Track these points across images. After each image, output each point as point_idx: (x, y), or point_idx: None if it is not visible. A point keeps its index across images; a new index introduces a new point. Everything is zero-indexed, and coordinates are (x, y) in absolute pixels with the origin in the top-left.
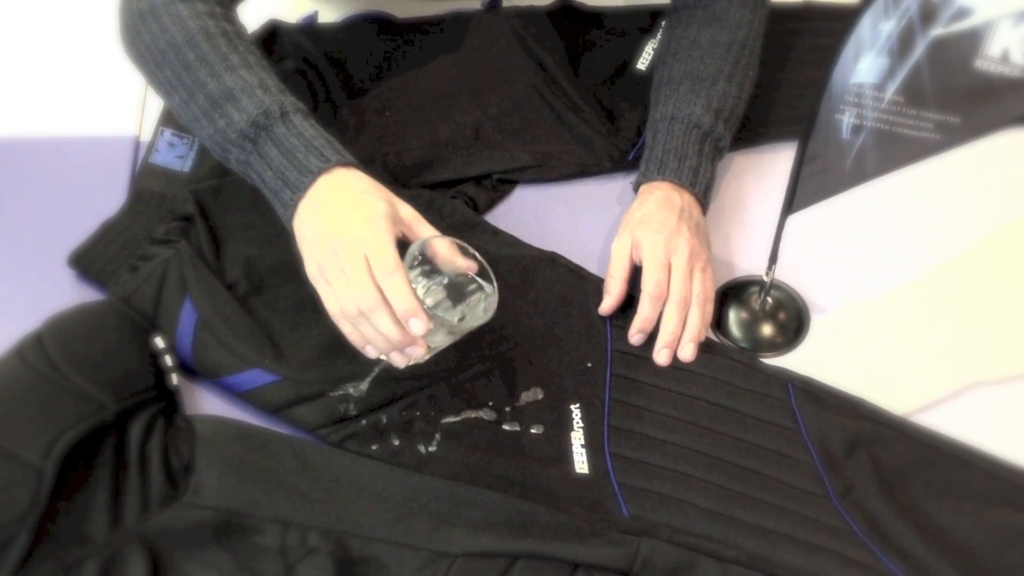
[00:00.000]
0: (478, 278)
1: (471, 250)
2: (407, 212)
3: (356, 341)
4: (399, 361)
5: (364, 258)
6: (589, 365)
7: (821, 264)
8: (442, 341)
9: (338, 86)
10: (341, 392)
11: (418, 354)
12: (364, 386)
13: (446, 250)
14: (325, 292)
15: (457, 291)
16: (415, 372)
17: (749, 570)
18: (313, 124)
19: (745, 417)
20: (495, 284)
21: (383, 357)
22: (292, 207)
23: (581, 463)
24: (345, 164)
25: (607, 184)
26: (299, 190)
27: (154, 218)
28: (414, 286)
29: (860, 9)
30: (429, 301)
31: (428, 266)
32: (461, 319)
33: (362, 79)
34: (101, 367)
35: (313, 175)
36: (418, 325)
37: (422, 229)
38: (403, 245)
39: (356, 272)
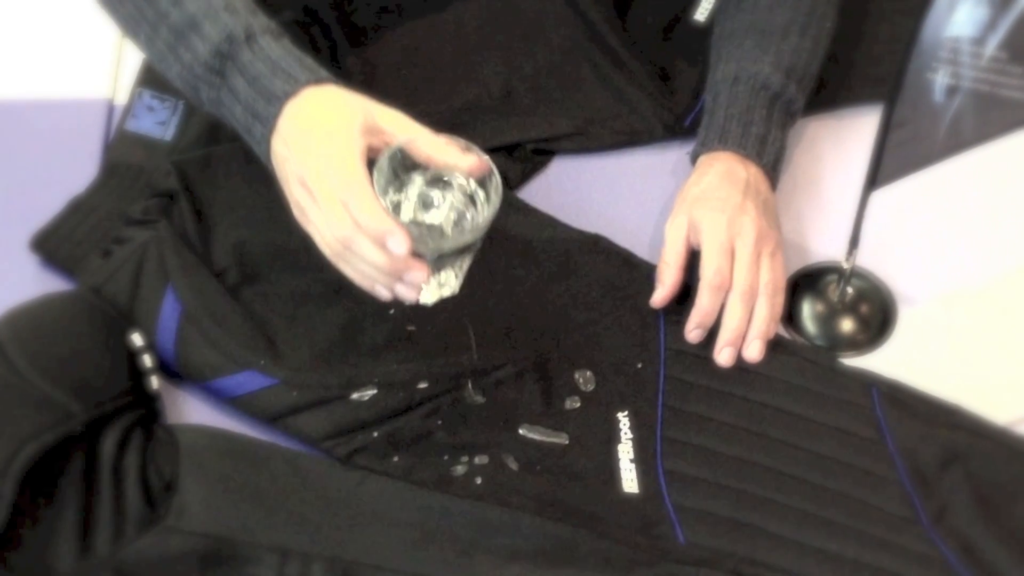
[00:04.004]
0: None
1: (471, 145)
2: (389, 119)
3: (362, 283)
4: (408, 295)
5: (330, 181)
6: (639, 366)
7: (910, 248)
8: (466, 258)
9: (344, 40)
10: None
11: (420, 278)
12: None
13: (438, 150)
14: (313, 234)
15: (470, 198)
16: (436, 373)
17: None
18: (284, 44)
19: (821, 427)
20: (495, 170)
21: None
22: (266, 144)
23: (629, 481)
24: (317, 81)
25: (659, 155)
26: (268, 122)
27: (130, 194)
28: (429, 201)
29: None
30: (449, 216)
31: (428, 172)
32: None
33: (372, 30)
34: (68, 369)
35: (280, 101)
36: (397, 243)
37: (405, 132)
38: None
39: (326, 199)
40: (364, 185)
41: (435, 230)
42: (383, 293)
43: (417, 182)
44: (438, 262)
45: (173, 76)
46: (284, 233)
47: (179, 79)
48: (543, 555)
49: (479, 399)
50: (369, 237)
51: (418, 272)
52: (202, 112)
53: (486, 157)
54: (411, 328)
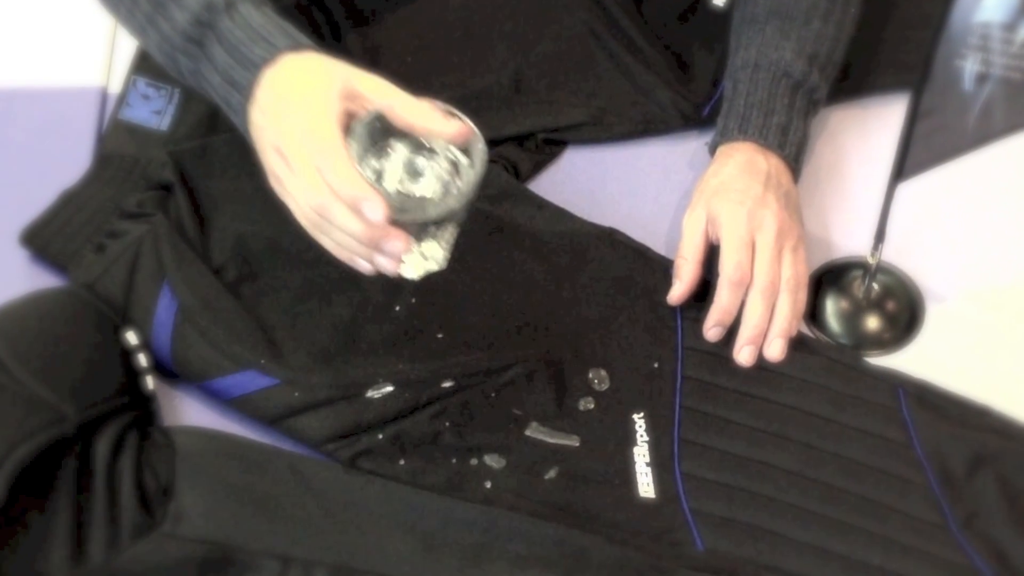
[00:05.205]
0: (454, 147)
1: (453, 109)
2: (369, 84)
3: (341, 256)
4: (389, 267)
5: (305, 146)
6: (655, 365)
7: (938, 243)
8: (450, 228)
9: (347, 23)
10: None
11: (398, 248)
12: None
13: (420, 116)
14: (290, 205)
15: (454, 165)
16: (443, 373)
17: None
18: (265, 12)
19: (846, 429)
20: (479, 134)
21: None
22: (244, 114)
23: (646, 485)
24: (296, 48)
25: (676, 145)
26: (246, 90)
27: (125, 187)
28: (413, 170)
29: None
30: (435, 185)
31: (409, 139)
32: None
33: (376, 13)
34: (60, 368)
35: (258, 67)
36: (372, 209)
37: (385, 99)
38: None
39: (301, 166)
40: (338, 149)
41: (417, 198)
42: (363, 266)
43: (399, 150)
44: (421, 232)
45: (153, 48)
46: (285, 227)
47: (158, 51)
48: (555, 562)
49: (489, 399)
50: (344, 203)
51: (396, 241)
52: (199, 99)
53: (470, 122)
54: (440, 336)
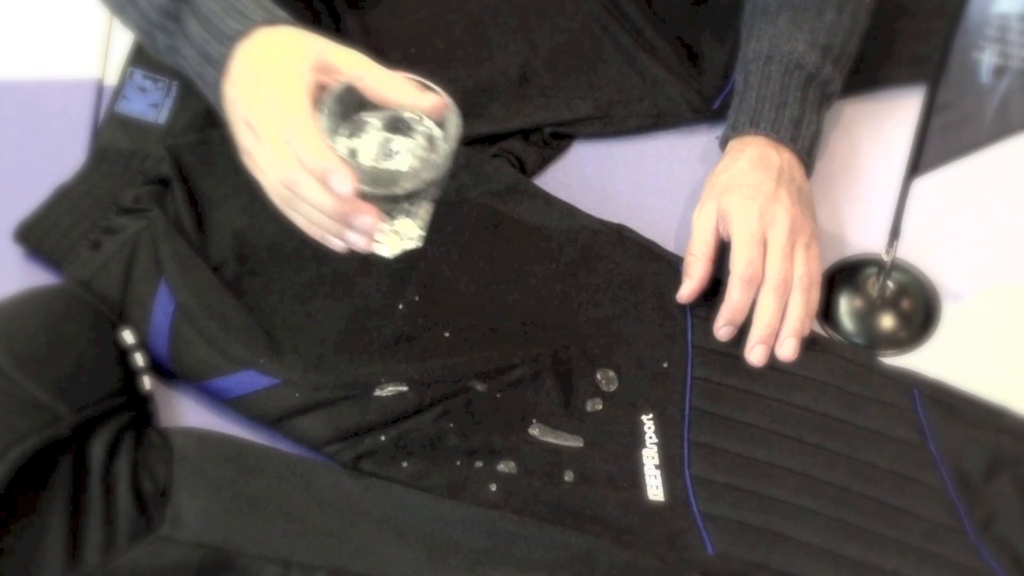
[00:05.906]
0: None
1: (427, 82)
2: (343, 57)
3: (312, 232)
4: (360, 243)
5: (274, 118)
6: (665, 365)
7: (954, 240)
8: (423, 204)
9: (347, 9)
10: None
11: (368, 223)
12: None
13: (394, 89)
14: (261, 180)
15: (429, 140)
16: (447, 375)
17: None
18: None
19: (859, 430)
20: (454, 106)
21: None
22: (218, 88)
23: (655, 488)
24: (272, 21)
25: (686, 139)
26: (220, 64)
27: (121, 181)
28: (390, 146)
29: None
30: (412, 161)
31: (382, 113)
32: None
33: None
34: (55, 368)
35: (232, 40)
36: (340, 181)
37: (357, 70)
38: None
39: (270, 138)
40: (306, 120)
41: (389, 171)
42: (336, 244)
43: (373, 123)
44: (395, 208)
45: (131, 25)
46: (285, 223)
47: (136, 27)
48: (561, 566)
49: (495, 400)
50: (313, 176)
51: (366, 216)
52: (196, 93)
53: (445, 94)
54: (447, 335)
